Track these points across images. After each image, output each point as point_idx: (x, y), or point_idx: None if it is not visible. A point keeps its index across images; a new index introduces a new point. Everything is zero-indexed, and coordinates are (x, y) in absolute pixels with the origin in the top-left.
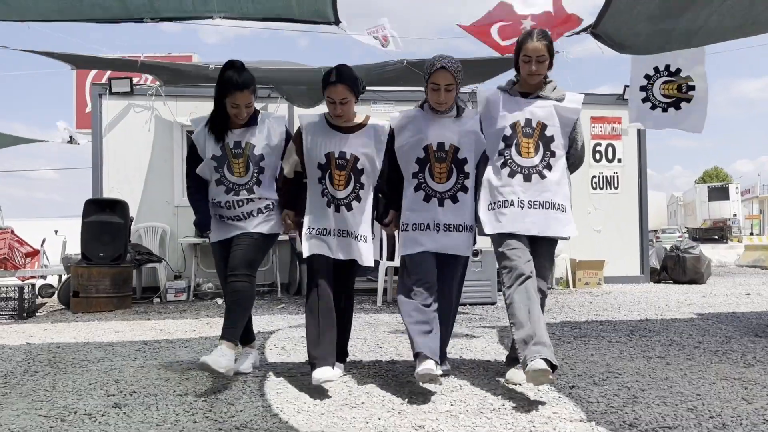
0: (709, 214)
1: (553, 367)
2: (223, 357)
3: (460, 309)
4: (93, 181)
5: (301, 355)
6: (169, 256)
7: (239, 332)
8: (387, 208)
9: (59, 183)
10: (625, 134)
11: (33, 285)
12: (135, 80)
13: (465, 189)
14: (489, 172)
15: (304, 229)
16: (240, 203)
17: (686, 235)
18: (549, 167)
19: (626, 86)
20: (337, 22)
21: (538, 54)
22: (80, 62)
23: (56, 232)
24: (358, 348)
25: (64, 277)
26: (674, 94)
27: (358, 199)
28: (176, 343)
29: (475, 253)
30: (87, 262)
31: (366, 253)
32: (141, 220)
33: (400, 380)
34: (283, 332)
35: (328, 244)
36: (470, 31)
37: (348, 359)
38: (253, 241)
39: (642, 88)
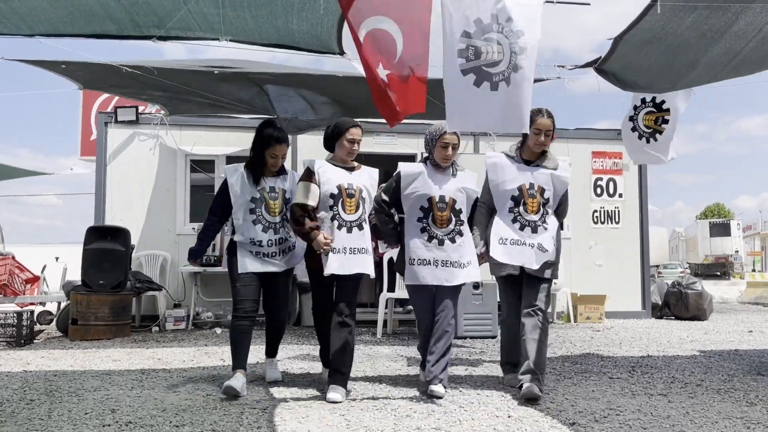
0: (711, 250)
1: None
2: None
3: (461, 342)
4: (96, 208)
5: (299, 386)
6: (169, 284)
7: (275, 350)
8: (395, 237)
9: (62, 209)
10: (626, 169)
11: (31, 312)
12: (141, 109)
13: (461, 234)
14: (499, 224)
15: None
16: (279, 241)
17: (688, 271)
18: (546, 221)
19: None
20: (341, 53)
21: (547, 129)
22: (85, 79)
23: (57, 258)
24: (357, 381)
25: (63, 304)
26: (651, 126)
27: (365, 221)
28: (174, 372)
29: (476, 286)
30: (87, 290)
31: (371, 263)
32: (142, 248)
33: (398, 414)
34: (281, 363)
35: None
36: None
37: (347, 390)
38: (286, 281)
39: (630, 119)
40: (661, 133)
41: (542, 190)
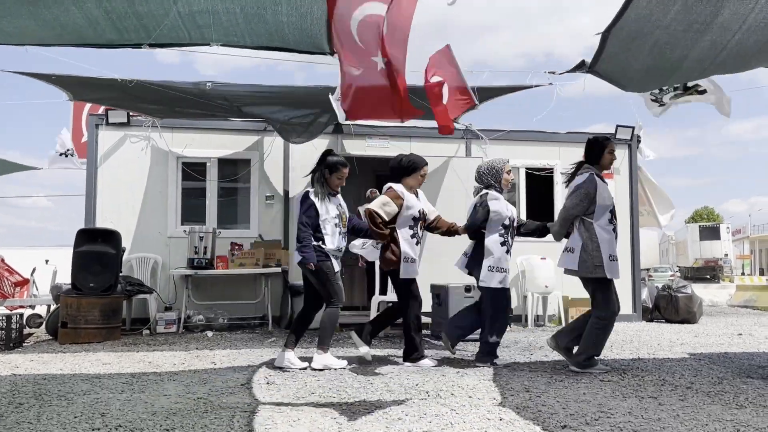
0: (700, 254)
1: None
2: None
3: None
4: (86, 210)
5: (290, 389)
6: (161, 287)
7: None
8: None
9: (52, 212)
10: (617, 173)
11: (21, 315)
12: (132, 112)
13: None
14: (603, 233)
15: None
16: (345, 246)
17: (678, 274)
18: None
19: (618, 126)
20: (332, 52)
21: (614, 151)
22: (76, 89)
23: (47, 261)
24: (348, 384)
25: (52, 307)
26: (687, 100)
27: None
28: (164, 376)
29: (468, 289)
30: (77, 293)
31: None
32: (133, 251)
33: (389, 417)
34: (273, 366)
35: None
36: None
37: (338, 395)
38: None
39: (653, 100)
40: (703, 92)
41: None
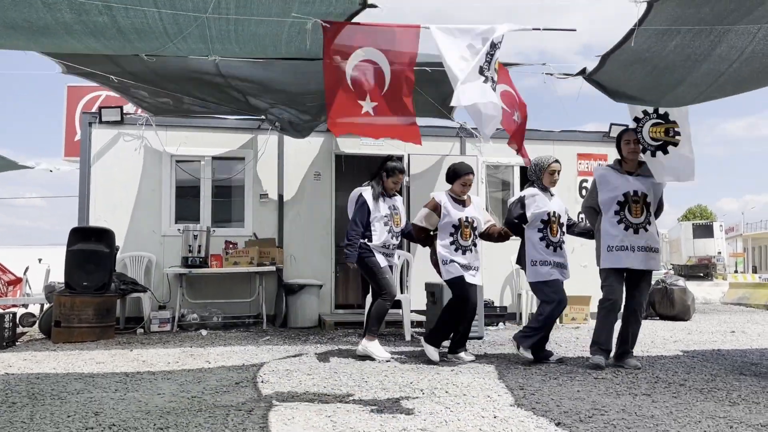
0: (694, 252)
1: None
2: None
3: (446, 343)
4: (80, 209)
5: (285, 388)
6: (155, 286)
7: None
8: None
9: (46, 211)
10: None
11: (14, 314)
12: (126, 109)
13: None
14: (607, 225)
15: (446, 259)
16: (396, 245)
17: (672, 272)
18: (649, 223)
19: (612, 124)
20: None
21: (634, 138)
22: (70, 59)
23: (40, 260)
24: (343, 382)
25: (46, 306)
26: (661, 137)
27: (475, 245)
28: (158, 374)
29: None
30: (70, 291)
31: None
32: (127, 250)
33: (384, 415)
34: (268, 365)
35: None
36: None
37: (333, 393)
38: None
39: (634, 131)
40: (675, 144)
41: (645, 196)
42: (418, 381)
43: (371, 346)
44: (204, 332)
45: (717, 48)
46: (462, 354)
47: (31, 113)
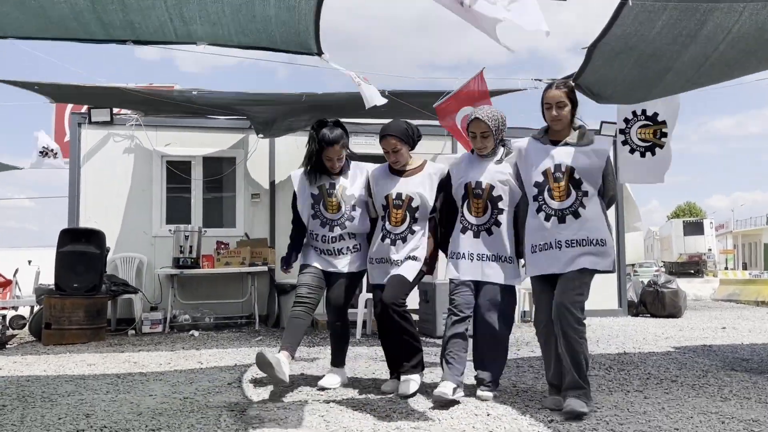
0: (684, 249)
1: None
2: (334, 375)
3: (440, 342)
4: (69, 210)
5: (277, 388)
6: (146, 287)
7: (342, 358)
8: (444, 238)
9: (34, 212)
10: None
11: (3, 316)
12: (115, 110)
13: (498, 224)
14: (528, 217)
15: (367, 260)
16: (333, 239)
17: (663, 269)
18: (583, 205)
19: (603, 122)
20: (320, 53)
21: (557, 100)
22: (58, 95)
23: (30, 261)
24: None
25: (36, 308)
26: (650, 139)
27: (412, 232)
28: (150, 376)
29: None
30: (60, 293)
31: (411, 268)
32: (118, 251)
33: (377, 414)
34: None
35: (384, 270)
36: (439, 111)
37: (325, 394)
38: (345, 285)
39: (621, 132)
40: (662, 147)
41: (571, 170)
42: None
43: (281, 361)
44: (196, 333)
45: (703, 28)
46: (398, 385)
47: (18, 113)
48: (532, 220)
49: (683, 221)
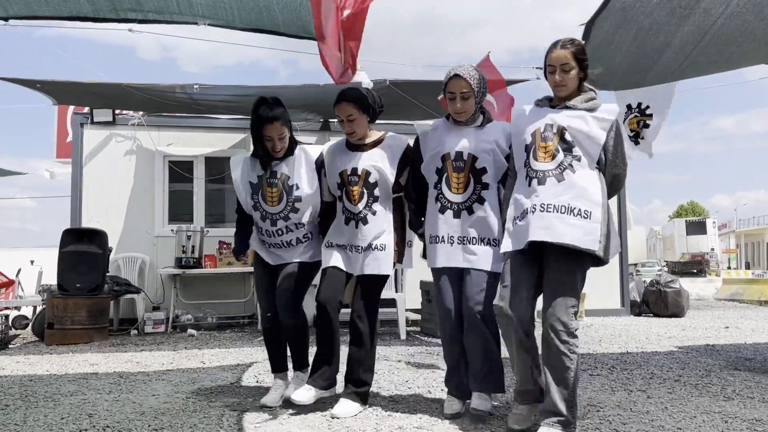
0: (687, 248)
1: None
2: (302, 389)
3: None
4: (72, 210)
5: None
6: (148, 287)
7: (304, 358)
8: (417, 217)
9: (36, 212)
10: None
11: (6, 316)
12: (117, 110)
13: (482, 200)
14: (515, 187)
15: (324, 243)
16: (279, 232)
17: (665, 269)
18: (571, 168)
19: None
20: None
21: (562, 63)
22: (61, 95)
23: (32, 262)
24: (338, 381)
25: (38, 308)
26: (634, 129)
27: (373, 212)
28: (153, 375)
29: None
30: (63, 293)
31: (382, 261)
32: (120, 251)
33: (380, 414)
34: (262, 365)
35: (346, 259)
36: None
37: (331, 390)
38: (295, 274)
39: (634, 141)
40: (643, 138)
41: (562, 130)
42: (414, 379)
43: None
44: (194, 333)
45: (702, 0)
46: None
47: (21, 114)
48: (518, 187)
49: (686, 221)
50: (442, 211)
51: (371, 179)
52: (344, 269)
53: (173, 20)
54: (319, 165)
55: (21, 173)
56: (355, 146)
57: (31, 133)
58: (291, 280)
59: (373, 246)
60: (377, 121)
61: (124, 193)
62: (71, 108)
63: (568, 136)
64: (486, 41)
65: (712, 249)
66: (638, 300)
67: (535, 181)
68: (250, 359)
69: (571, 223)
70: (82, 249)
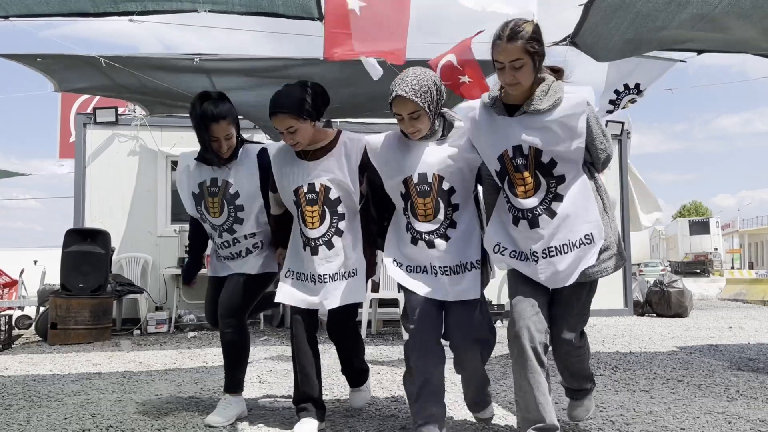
0: (690, 248)
1: None
2: (228, 410)
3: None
4: (75, 210)
5: (281, 388)
6: (151, 287)
7: (240, 380)
8: (381, 237)
9: (40, 212)
10: (608, 168)
11: (10, 316)
12: (120, 110)
13: (454, 224)
14: (499, 210)
15: (282, 272)
16: (226, 244)
17: (668, 269)
18: (558, 198)
19: (608, 121)
20: (321, 17)
21: (511, 59)
22: (62, 75)
23: (35, 262)
24: (341, 381)
25: (42, 308)
26: (626, 107)
27: (339, 233)
28: (155, 375)
29: None
30: (66, 293)
31: (355, 288)
32: (123, 251)
33: (383, 414)
34: (264, 364)
35: (309, 297)
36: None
37: (330, 393)
38: (241, 283)
39: (611, 102)
40: (625, 108)
41: (537, 153)
42: None
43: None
44: (191, 334)
45: None
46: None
47: (24, 114)
48: (502, 214)
49: (689, 220)
50: (414, 242)
51: (331, 195)
52: (308, 307)
53: (173, 9)
54: (364, 163)
55: (24, 174)
56: (305, 152)
57: (34, 134)
58: (235, 290)
59: (344, 274)
60: (386, 120)
61: (127, 194)
62: (74, 108)
63: (544, 157)
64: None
65: (716, 249)
66: (641, 300)
67: (524, 223)
68: (253, 359)
69: (579, 256)
70: (85, 249)
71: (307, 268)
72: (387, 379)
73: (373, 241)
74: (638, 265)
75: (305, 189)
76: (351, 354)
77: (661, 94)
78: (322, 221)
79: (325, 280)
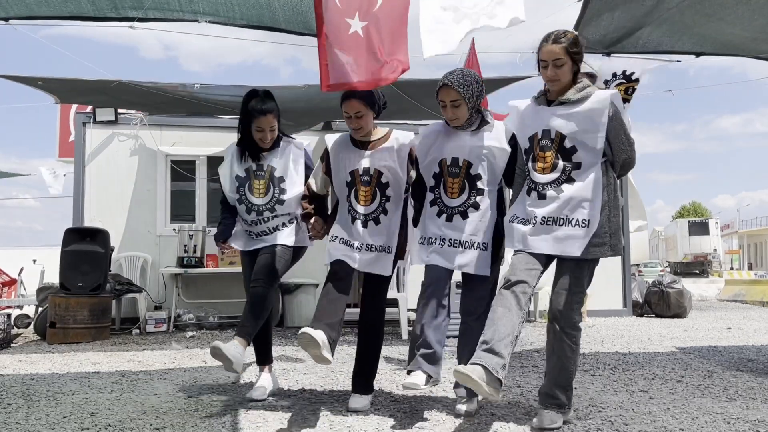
0: (689, 249)
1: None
2: (234, 348)
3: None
4: (74, 209)
5: (281, 387)
6: (150, 286)
7: (252, 332)
8: (419, 217)
9: (39, 211)
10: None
11: (8, 315)
12: (120, 110)
13: (476, 206)
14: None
15: (330, 236)
16: (264, 219)
17: (668, 269)
18: (570, 180)
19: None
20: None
21: (554, 58)
22: (63, 93)
23: (35, 261)
24: (340, 381)
25: (41, 308)
26: (622, 96)
27: (385, 212)
28: (154, 374)
29: (458, 285)
30: (65, 292)
31: (387, 262)
32: (122, 250)
33: (382, 414)
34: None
35: (351, 255)
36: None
37: (329, 393)
38: (277, 251)
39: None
40: (629, 101)
41: (561, 137)
42: None
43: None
44: (189, 334)
45: None
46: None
47: (23, 113)
48: (523, 191)
49: (688, 221)
50: (439, 214)
51: (383, 179)
52: (348, 262)
53: (174, 18)
54: (412, 156)
55: (24, 174)
56: (362, 143)
57: (35, 134)
58: (270, 257)
59: (383, 247)
60: (378, 121)
61: (127, 193)
62: (74, 107)
63: (567, 143)
64: (489, 42)
65: (715, 250)
66: (640, 300)
67: (534, 194)
68: (253, 358)
69: (570, 234)
70: (85, 248)
71: (354, 237)
72: (386, 379)
73: (406, 225)
74: (637, 265)
75: (361, 172)
76: (370, 335)
77: (661, 95)
78: (372, 200)
79: (371, 249)
